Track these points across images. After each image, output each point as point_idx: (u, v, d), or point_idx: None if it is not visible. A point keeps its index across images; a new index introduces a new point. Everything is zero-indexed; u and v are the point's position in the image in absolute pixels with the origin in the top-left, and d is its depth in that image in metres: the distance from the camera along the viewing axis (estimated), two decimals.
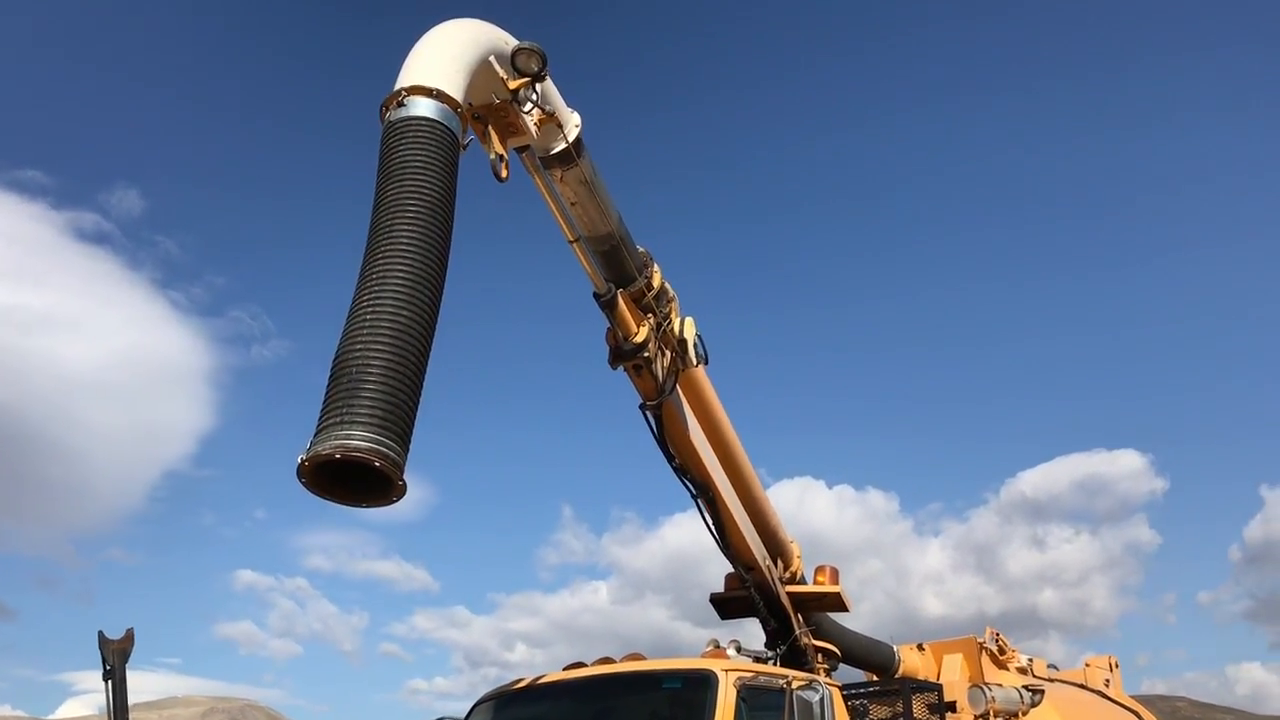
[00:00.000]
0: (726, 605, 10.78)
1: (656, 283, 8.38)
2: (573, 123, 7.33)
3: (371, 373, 5.07)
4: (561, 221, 7.61)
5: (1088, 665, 14.66)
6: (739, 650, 8.23)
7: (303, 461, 4.93)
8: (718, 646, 8.20)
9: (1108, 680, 14.56)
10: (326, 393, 5.20)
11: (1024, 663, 12.96)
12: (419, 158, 5.74)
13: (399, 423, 5.10)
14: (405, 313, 5.27)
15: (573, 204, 7.58)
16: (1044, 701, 11.70)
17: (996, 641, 12.38)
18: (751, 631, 10.69)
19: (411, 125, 5.85)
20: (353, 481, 5.12)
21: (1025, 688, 11.80)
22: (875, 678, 11.53)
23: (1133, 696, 15.31)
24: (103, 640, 7.01)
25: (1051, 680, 13.19)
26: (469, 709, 8.58)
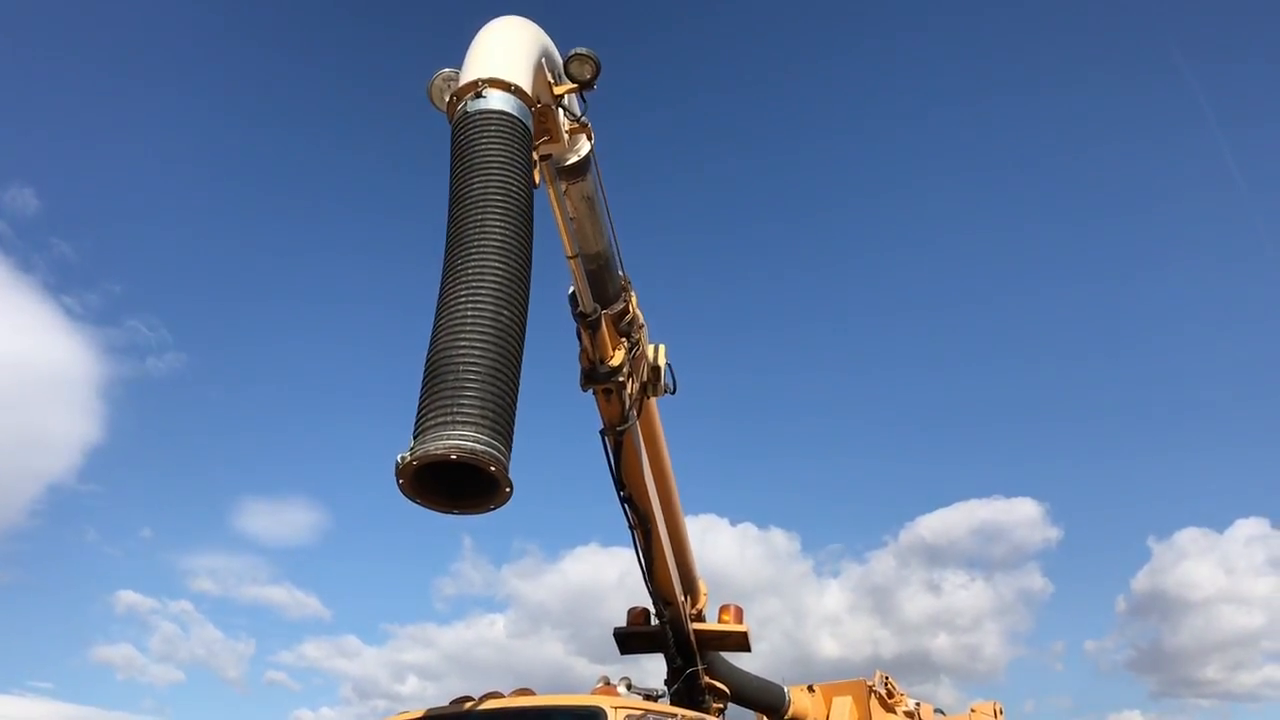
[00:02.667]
0: (629, 640, 10.71)
1: (633, 308, 8.34)
2: (588, 136, 7.20)
3: (479, 371, 4.83)
4: (565, 236, 7.49)
5: (973, 710, 14.92)
6: (629, 687, 8.16)
7: (406, 461, 4.66)
8: (608, 683, 8.12)
9: None
10: (426, 389, 4.92)
11: (911, 706, 13.13)
12: (504, 154, 5.54)
13: (506, 425, 4.86)
14: (506, 313, 5.05)
15: (572, 218, 7.45)
16: None
17: (885, 684, 12.52)
18: (647, 668, 10.65)
19: (493, 119, 5.66)
20: (449, 484, 4.87)
21: None
22: (765, 718, 11.55)
23: None
24: None
25: None
26: None
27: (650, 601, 10.16)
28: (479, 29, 6.36)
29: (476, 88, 5.73)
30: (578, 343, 8.11)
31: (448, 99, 6.03)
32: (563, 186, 7.19)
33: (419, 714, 8.17)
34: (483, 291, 5.05)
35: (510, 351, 5.02)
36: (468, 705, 7.78)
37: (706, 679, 10.40)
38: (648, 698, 8.35)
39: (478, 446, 4.64)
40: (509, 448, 4.86)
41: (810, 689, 12.41)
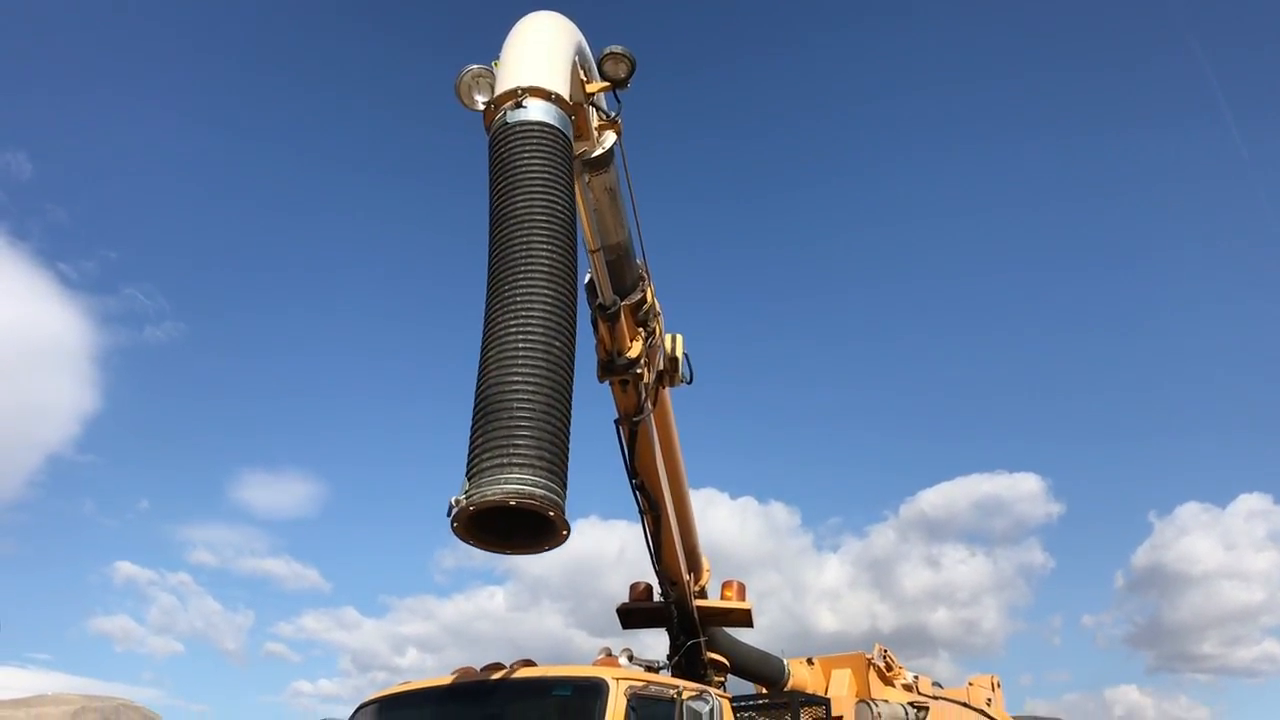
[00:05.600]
0: (631, 616, 10.78)
1: (649, 298, 8.28)
2: (617, 132, 7.12)
3: (532, 409, 4.75)
4: (588, 229, 7.42)
5: (971, 684, 14.98)
6: (631, 659, 8.17)
7: (462, 505, 4.61)
8: (610, 655, 8.12)
9: (989, 699, 14.90)
10: (479, 426, 4.85)
11: (910, 679, 13.17)
12: (548, 170, 5.43)
13: (561, 465, 4.80)
14: (558, 344, 4.97)
15: (594, 209, 7.39)
16: (928, 718, 11.91)
17: (884, 658, 12.57)
18: (646, 642, 10.68)
19: (535, 132, 5.54)
20: (502, 522, 4.82)
21: (911, 704, 12.00)
22: (765, 690, 11.59)
23: (1015, 717, 15.70)
24: None
25: (936, 698, 13.43)
26: (353, 712, 8.34)
27: (655, 579, 10.19)
28: (509, 24, 6.21)
29: (516, 96, 5.62)
30: (593, 331, 8.06)
31: (479, 100, 5.91)
32: (586, 178, 7.08)
33: (419, 684, 8.17)
34: (533, 321, 4.97)
35: (562, 384, 4.96)
36: (470, 676, 7.78)
37: (707, 652, 10.43)
38: (649, 669, 8.37)
39: (536, 491, 4.60)
40: (564, 487, 4.81)
41: (809, 662, 12.46)
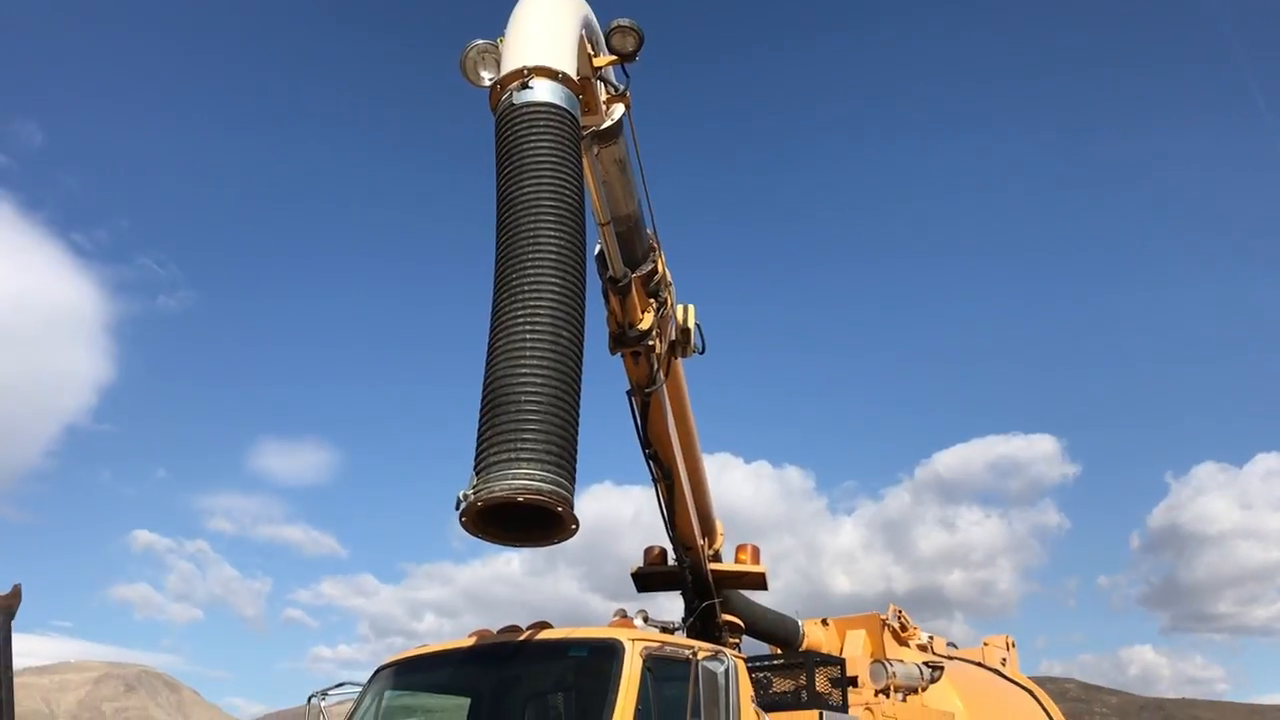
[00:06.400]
0: (646, 580, 10.85)
1: (661, 268, 8.22)
2: (626, 104, 6.98)
3: (540, 402, 4.73)
4: (598, 202, 7.35)
5: (986, 644, 15.04)
6: (646, 621, 8.23)
7: (470, 501, 4.61)
8: (625, 616, 8.18)
9: (1004, 659, 14.96)
10: (486, 419, 4.84)
11: (924, 640, 13.23)
12: (555, 153, 5.36)
13: (569, 458, 4.81)
14: (566, 333, 4.95)
15: (604, 182, 7.32)
16: (943, 678, 11.96)
17: (899, 618, 12.62)
18: (662, 604, 10.75)
19: (542, 114, 5.45)
20: (512, 516, 4.82)
21: (925, 664, 12.04)
22: (780, 651, 11.66)
23: (1030, 678, 15.76)
24: None
25: (950, 658, 13.49)
26: (371, 674, 8.44)
27: (670, 545, 10.25)
28: None
29: (522, 76, 5.53)
30: (604, 304, 8.04)
31: (485, 76, 5.84)
32: (595, 150, 6.98)
33: (437, 646, 8.26)
34: (541, 311, 4.94)
35: (570, 375, 4.94)
36: (487, 638, 7.86)
37: (723, 614, 10.49)
38: (664, 630, 8.44)
39: (544, 486, 4.59)
40: (573, 480, 4.82)
41: (824, 623, 12.53)
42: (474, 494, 4.67)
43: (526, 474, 4.62)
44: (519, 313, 4.96)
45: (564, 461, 4.78)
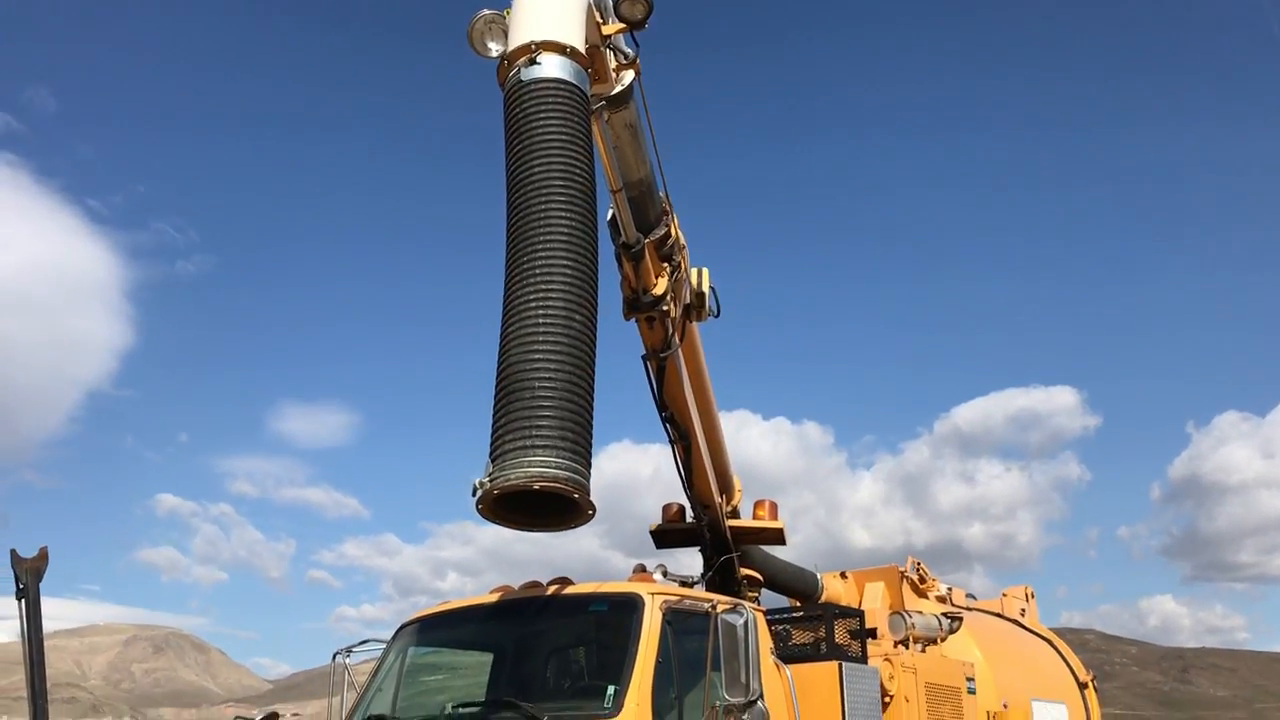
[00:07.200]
0: (664, 536, 10.93)
1: (674, 232, 8.17)
2: (636, 71, 6.86)
3: (555, 388, 4.73)
4: (609, 169, 7.31)
5: (1005, 595, 15.07)
6: (665, 575, 8.30)
7: (487, 489, 4.64)
8: (645, 571, 8.25)
9: (1023, 610, 14.99)
10: (501, 406, 4.85)
11: (943, 592, 13.28)
12: (565, 131, 5.31)
13: (584, 443, 4.82)
14: (579, 316, 4.94)
15: (615, 148, 7.26)
16: (962, 629, 12.03)
17: (918, 570, 12.65)
18: (681, 560, 10.82)
19: (550, 90, 5.40)
20: (529, 502, 4.85)
21: (944, 615, 12.11)
22: (799, 604, 11.74)
23: (1050, 629, 15.81)
24: (15, 559, 6.83)
25: (969, 609, 13.54)
26: (395, 631, 8.55)
27: (688, 503, 10.31)
28: None
29: (530, 51, 5.47)
30: (618, 269, 8.02)
31: (493, 48, 5.77)
32: (605, 116, 6.90)
33: (459, 603, 8.35)
34: (553, 294, 4.91)
35: (584, 360, 4.93)
36: (509, 594, 7.94)
37: (741, 568, 10.56)
38: (684, 584, 8.51)
39: (560, 474, 4.62)
40: (589, 466, 4.84)
41: (843, 576, 12.58)
42: (490, 482, 4.72)
43: (542, 461, 4.64)
44: (531, 297, 4.95)
45: (579, 447, 4.80)
